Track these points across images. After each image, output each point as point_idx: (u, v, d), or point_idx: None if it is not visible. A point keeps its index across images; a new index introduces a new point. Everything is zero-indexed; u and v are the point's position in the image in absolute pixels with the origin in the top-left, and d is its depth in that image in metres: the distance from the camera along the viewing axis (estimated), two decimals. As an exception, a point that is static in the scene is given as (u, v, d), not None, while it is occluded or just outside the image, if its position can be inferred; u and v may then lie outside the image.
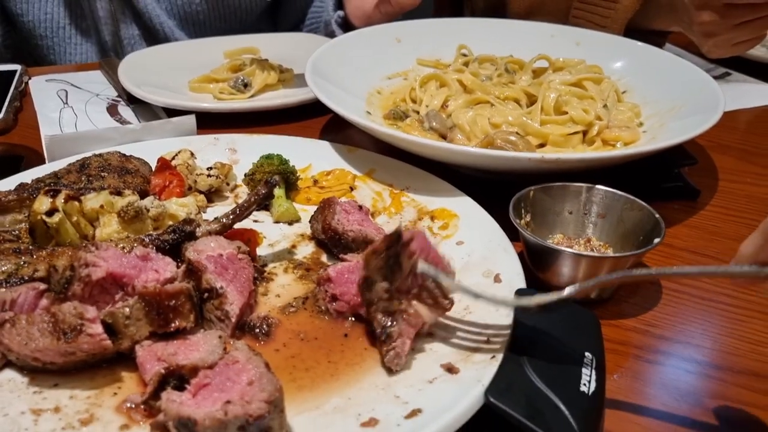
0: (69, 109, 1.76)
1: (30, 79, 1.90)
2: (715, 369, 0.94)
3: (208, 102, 1.73)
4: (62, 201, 1.07)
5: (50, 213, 1.06)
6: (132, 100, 1.76)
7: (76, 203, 1.10)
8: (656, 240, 1.01)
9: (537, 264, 1.06)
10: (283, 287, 1.05)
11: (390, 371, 0.88)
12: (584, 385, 0.82)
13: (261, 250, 1.14)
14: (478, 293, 0.90)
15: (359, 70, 1.63)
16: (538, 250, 1.04)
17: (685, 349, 0.98)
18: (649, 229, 1.05)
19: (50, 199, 1.06)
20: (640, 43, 1.67)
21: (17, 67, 1.92)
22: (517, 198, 1.10)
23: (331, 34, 2.18)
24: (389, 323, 0.89)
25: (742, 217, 1.31)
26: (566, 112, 1.40)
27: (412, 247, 0.90)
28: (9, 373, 0.88)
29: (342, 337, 0.95)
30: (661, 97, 1.47)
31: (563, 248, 1.02)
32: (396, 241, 0.89)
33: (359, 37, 1.74)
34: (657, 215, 1.05)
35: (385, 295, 0.89)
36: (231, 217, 1.09)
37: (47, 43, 2.17)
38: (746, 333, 1.01)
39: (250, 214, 1.11)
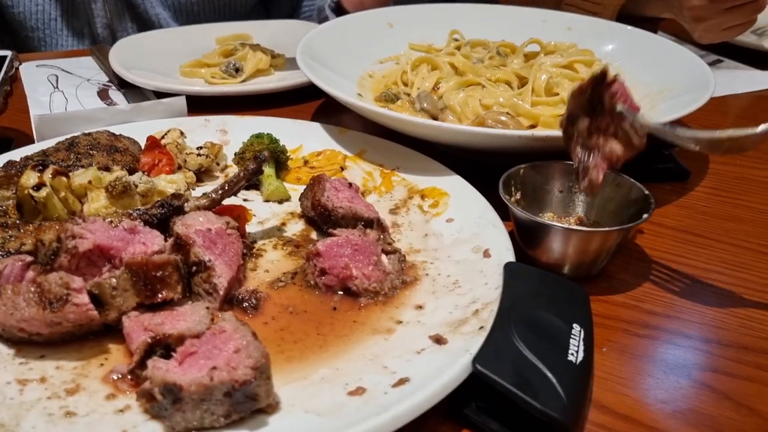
0: (59, 93, 1.75)
1: (20, 64, 1.89)
2: (703, 342, 0.94)
3: (199, 86, 1.72)
4: (50, 176, 1.06)
5: (37, 188, 1.05)
6: (123, 85, 1.75)
7: (64, 179, 1.09)
8: (645, 215, 1.01)
9: (527, 241, 1.06)
10: (272, 263, 1.05)
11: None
12: (572, 354, 0.82)
13: (250, 228, 1.14)
14: (672, 133, 0.93)
15: (351, 54, 1.63)
16: (529, 226, 1.04)
17: (673, 323, 0.98)
18: (639, 205, 1.05)
19: (37, 174, 1.06)
20: (630, 27, 1.67)
21: (8, 52, 1.91)
22: (506, 176, 1.09)
23: (324, 20, 2.18)
24: (587, 157, 0.99)
25: (732, 197, 1.31)
26: (557, 94, 1.40)
27: (614, 89, 0.98)
28: (-6, 345, 0.87)
29: (331, 311, 0.95)
30: (652, 80, 1.47)
31: (553, 223, 1.02)
32: (600, 81, 0.98)
33: (351, 22, 1.74)
34: (646, 191, 1.05)
35: (585, 131, 0.99)
36: (220, 192, 1.08)
37: (38, 35, 2.15)
38: (734, 307, 1.01)
39: (239, 189, 1.11)
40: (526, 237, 1.06)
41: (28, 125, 1.53)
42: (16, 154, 1.26)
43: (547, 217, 1.12)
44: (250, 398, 0.75)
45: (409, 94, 1.50)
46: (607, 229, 1.02)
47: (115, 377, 0.82)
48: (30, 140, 1.46)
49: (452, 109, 1.38)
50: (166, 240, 0.99)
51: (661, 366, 0.90)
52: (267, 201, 1.22)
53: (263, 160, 1.12)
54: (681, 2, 1.62)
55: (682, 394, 0.85)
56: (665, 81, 1.43)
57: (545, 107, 1.37)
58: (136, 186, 1.11)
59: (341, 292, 0.97)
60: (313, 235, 1.13)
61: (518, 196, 1.11)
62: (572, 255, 1.01)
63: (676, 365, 0.90)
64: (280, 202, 1.22)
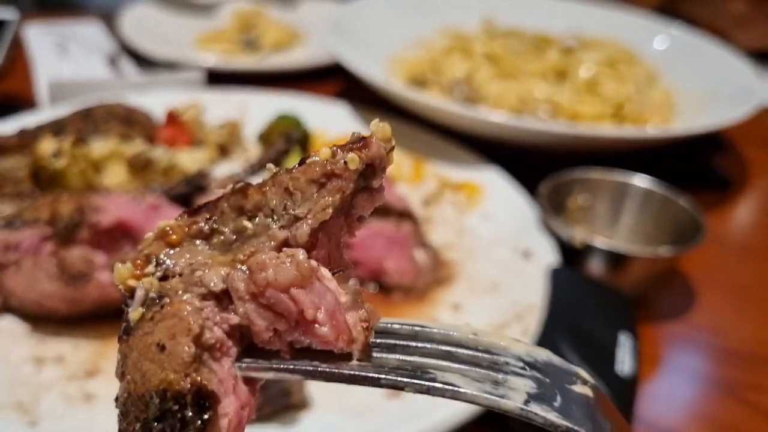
0: (69, 61, 1.69)
1: (23, 25, 1.82)
2: (748, 359, 0.91)
3: (215, 59, 1.66)
4: (69, 144, 1.01)
5: (56, 156, 1.00)
6: (134, 55, 1.69)
7: (83, 148, 1.04)
8: (698, 237, 0.96)
9: (576, 260, 0.99)
10: (299, 250, 1.00)
11: None
12: (619, 366, 0.79)
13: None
14: None
15: (379, 35, 1.57)
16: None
17: (718, 339, 0.94)
18: (684, 226, 1.00)
19: (57, 142, 1.00)
20: (675, 26, 1.62)
21: (13, 14, 1.84)
22: (550, 187, 1.03)
23: None
24: None
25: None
26: (597, 92, 1.35)
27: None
28: (9, 321, 0.82)
29: (362, 304, 0.90)
30: (695, 83, 1.42)
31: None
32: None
33: (382, 1, 1.67)
34: (698, 218, 0.99)
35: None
36: (248, 171, 1.03)
37: None
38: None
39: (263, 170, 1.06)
40: (574, 257, 0.99)
41: (32, 89, 1.47)
42: (27, 121, 1.20)
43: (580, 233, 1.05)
44: (284, 393, 0.71)
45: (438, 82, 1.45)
46: (667, 254, 0.95)
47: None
48: (35, 105, 1.40)
49: (488, 100, 1.33)
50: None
51: (706, 382, 0.87)
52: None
53: (293, 140, 1.07)
54: (720, 7, 1.58)
55: (726, 412, 0.82)
56: (709, 86, 1.38)
57: (585, 105, 1.32)
58: (158, 161, 1.06)
59: (372, 286, 0.93)
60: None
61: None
62: (628, 280, 0.96)
63: (722, 382, 0.87)
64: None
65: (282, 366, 0.38)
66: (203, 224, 0.39)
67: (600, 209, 1.08)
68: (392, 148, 0.39)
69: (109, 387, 0.74)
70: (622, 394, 0.76)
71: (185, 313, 0.37)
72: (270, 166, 0.39)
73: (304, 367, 0.37)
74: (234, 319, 0.37)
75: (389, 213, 1.02)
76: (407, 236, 0.97)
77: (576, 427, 0.35)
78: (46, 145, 0.99)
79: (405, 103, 1.26)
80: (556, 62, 1.41)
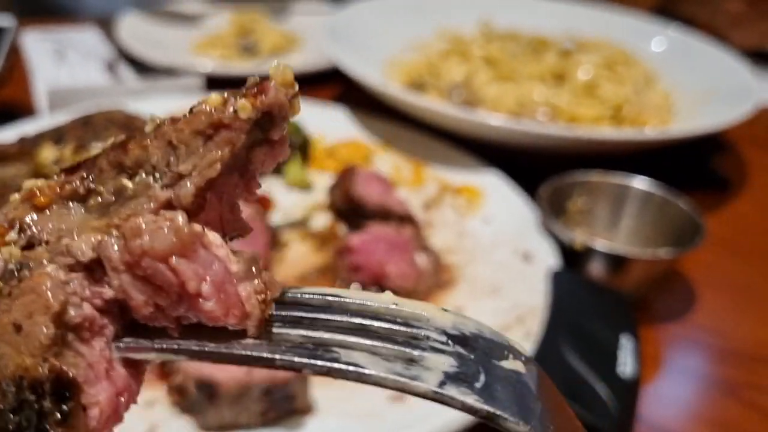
0: (66, 67, 1.69)
1: (20, 33, 1.82)
2: (749, 360, 0.91)
3: (213, 64, 1.67)
4: (70, 152, 1.01)
5: (57, 163, 1.00)
6: (132, 61, 1.69)
7: (84, 155, 1.04)
8: (697, 239, 0.96)
9: (576, 263, 0.99)
10: (299, 256, 1.01)
11: None
12: (621, 367, 0.79)
13: (274, 217, 1.09)
14: None
15: (376, 39, 1.57)
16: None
17: (718, 339, 0.95)
18: (684, 227, 1.00)
19: (57, 149, 1.00)
20: (673, 27, 1.62)
21: (10, 21, 1.84)
22: (550, 190, 1.03)
23: None
24: None
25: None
26: (595, 94, 1.36)
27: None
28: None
29: (363, 309, 0.91)
30: (693, 85, 1.42)
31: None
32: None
33: (378, 5, 1.68)
34: (698, 219, 1.00)
35: None
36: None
37: None
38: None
39: (266, 176, 1.06)
40: (575, 259, 0.99)
41: (30, 97, 1.47)
42: (27, 129, 1.20)
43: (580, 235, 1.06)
44: (288, 398, 0.71)
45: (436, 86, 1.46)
46: (668, 256, 0.96)
47: (142, 368, 0.78)
48: (33, 113, 1.40)
49: (486, 103, 1.34)
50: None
51: (707, 383, 0.87)
52: (289, 186, 1.17)
53: (293, 146, 1.07)
54: (716, 5, 1.59)
55: (726, 412, 0.82)
56: (706, 87, 1.39)
57: (583, 107, 1.33)
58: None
59: (373, 291, 0.93)
60: (341, 228, 1.08)
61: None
62: (631, 281, 0.96)
63: (722, 383, 0.87)
64: (302, 190, 1.17)
65: (165, 346, 0.33)
66: (78, 183, 0.34)
67: (600, 211, 1.08)
68: (295, 95, 0.34)
69: None
70: (625, 395, 0.77)
71: (44, 287, 0.31)
72: (153, 116, 0.34)
73: (190, 347, 0.33)
74: (108, 293, 0.32)
75: (390, 217, 1.03)
76: (408, 240, 0.97)
77: (498, 412, 0.31)
78: (47, 153, 1.00)
79: (403, 106, 1.26)
80: (554, 64, 1.41)
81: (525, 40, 1.53)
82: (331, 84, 1.60)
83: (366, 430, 0.71)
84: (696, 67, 1.47)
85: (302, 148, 1.23)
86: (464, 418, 0.71)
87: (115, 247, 0.31)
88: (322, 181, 1.16)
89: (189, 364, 0.71)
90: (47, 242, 0.33)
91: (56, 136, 1.14)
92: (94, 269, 0.32)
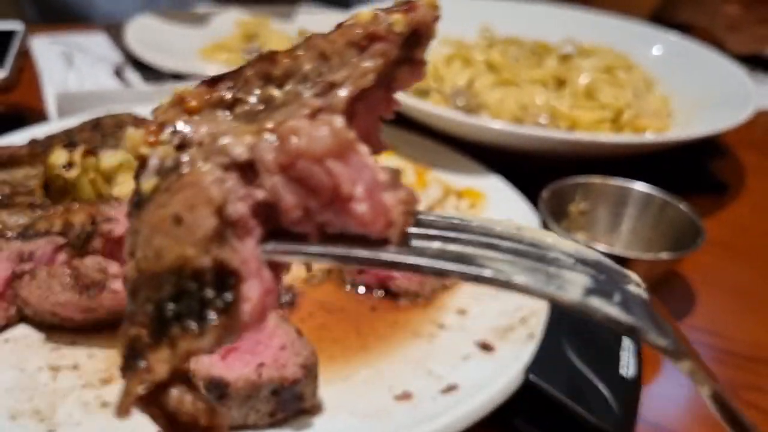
0: (74, 71, 1.71)
1: (30, 38, 1.84)
2: (747, 361, 0.93)
3: (219, 69, 1.68)
4: (80, 155, 1.03)
5: (67, 167, 1.01)
6: (139, 66, 1.71)
7: (93, 159, 1.05)
8: (698, 241, 0.98)
9: None
10: (306, 257, 1.02)
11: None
12: (623, 368, 0.80)
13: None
14: None
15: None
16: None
17: (717, 340, 0.96)
18: (684, 230, 1.02)
19: (68, 153, 1.02)
20: (671, 33, 1.64)
21: (19, 26, 1.86)
22: (551, 193, 1.05)
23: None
24: None
25: None
26: (596, 99, 1.37)
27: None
28: (24, 330, 0.84)
29: (369, 311, 0.92)
30: (692, 89, 1.44)
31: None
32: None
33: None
34: (697, 222, 1.01)
35: None
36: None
37: None
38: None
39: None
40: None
41: (40, 101, 1.49)
42: (37, 132, 1.22)
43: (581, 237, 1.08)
44: (297, 398, 0.73)
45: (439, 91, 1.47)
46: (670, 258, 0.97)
47: (151, 368, 0.79)
48: (42, 117, 1.42)
49: (489, 108, 1.35)
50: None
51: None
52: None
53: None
54: (714, 9, 1.60)
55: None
56: (705, 91, 1.40)
57: (584, 111, 1.34)
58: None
59: (380, 292, 0.95)
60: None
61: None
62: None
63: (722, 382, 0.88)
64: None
65: (312, 250, 0.33)
66: (225, 92, 0.34)
67: (601, 214, 1.10)
68: (437, 18, 0.34)
69: (124, 394, 0.75)
70: (628, 395, 0.78)
71: (207, 182, 0.31)
72: (302, 28, 0.35)
73: (336, 252, 0.32)
74: (260, 194, 0.32)
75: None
76: (413, 243, 0.99)
77: (641, 324, 0.32)
78: (57, 156, 1.01)
79: (407, 111, 1.27)
80: (555, 69, 1.43)
81: (526, 46, 1.55)
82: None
83: (373, 430, 0.73)
84: (694, 72, 1.49)
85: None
86: (471, 417, 0.73)
87: (271, 149, 0.31)
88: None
89: (198, 364, 0.73)
90: (200, 144, 0.33)
91: (66, 139, 1.16)
92: (247, 171, 0.32)
